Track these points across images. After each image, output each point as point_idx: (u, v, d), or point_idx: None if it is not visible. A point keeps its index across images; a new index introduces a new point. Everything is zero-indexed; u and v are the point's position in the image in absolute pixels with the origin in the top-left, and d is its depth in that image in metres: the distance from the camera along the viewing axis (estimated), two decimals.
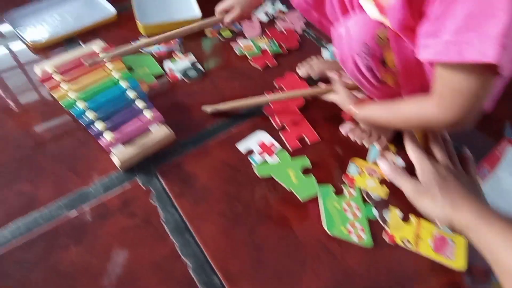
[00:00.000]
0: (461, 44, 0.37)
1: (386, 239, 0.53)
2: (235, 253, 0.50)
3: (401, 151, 0.61)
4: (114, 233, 0.51)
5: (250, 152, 0.62)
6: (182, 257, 0.49)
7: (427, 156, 0.47)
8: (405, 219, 0.55)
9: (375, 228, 0.55)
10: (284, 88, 0.73)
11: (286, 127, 0.66)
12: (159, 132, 0.61)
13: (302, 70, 0.77)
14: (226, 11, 0.72)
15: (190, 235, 0.52)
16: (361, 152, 0.64)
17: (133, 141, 0.59)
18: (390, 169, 0.49)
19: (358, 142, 0.65)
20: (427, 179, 0.45)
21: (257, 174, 0.59)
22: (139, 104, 0.64)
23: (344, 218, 0.54)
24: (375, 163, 0.62)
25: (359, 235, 0.53)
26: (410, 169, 0.48)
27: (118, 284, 0.46)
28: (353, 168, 0.61)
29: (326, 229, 0.53)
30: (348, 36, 0.52)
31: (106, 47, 0.74)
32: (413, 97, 0.49)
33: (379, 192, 0.58)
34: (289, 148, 0.63)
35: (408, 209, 0.54)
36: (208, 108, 0.67)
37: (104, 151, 0.59)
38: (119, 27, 0.84)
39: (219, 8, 0.73)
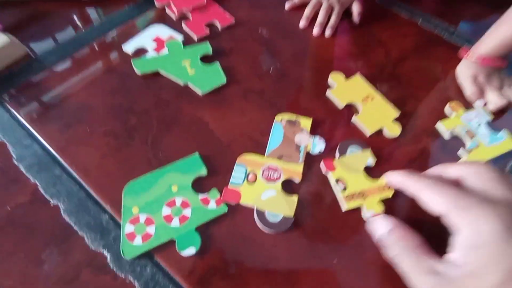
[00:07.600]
0: None
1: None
2: (133, 175, 0.34)
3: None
4: None
5: (143, 51, 0.45)
6: (49, 199, 0.32)
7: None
8: None
9: None
10: None
11: (189, 15, 0.49)
12: None
13: None
14: None
15: (61, 167, 0.35)
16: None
17: None
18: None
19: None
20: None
21: (137, 72, 0.42)
22: None
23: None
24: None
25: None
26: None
27: None
28: (239, 170, 0.35)
29: None
30: None
31: None
32: None
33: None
34: (195, 38, 0.47)
35: None
36: None
37: None
38: None
39: None
